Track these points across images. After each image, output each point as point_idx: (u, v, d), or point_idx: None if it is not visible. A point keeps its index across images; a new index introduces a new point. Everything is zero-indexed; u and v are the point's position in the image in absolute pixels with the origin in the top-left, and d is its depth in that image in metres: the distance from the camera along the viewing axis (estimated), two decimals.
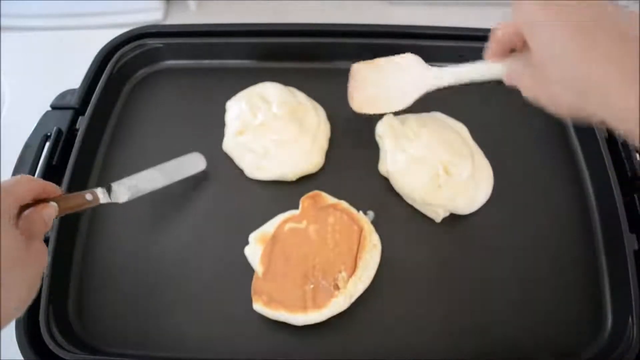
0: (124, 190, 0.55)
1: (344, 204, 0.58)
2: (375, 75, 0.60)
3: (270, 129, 0.62)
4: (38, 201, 0.45)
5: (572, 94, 0.41)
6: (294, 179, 0.62)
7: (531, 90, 0.46)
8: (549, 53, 0.41)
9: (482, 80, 0.51)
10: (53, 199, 0.46)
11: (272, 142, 0.62)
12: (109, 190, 0.53)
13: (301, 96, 0.66)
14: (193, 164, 0.62)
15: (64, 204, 0.47)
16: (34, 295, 0.42)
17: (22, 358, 0.50)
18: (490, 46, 0.50)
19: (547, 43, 0.41)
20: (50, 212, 0.46)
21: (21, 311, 0.41)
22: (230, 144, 0.64)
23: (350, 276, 0.53)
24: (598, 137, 0.61)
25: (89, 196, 0.50)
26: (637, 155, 0.61)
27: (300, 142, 0.62)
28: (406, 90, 0.57)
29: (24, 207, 0.44)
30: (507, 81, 0.49)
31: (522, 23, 0.43)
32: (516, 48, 0.49)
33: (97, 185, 0.63)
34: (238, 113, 0.64)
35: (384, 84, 0.59)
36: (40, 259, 0.43)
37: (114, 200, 0.54)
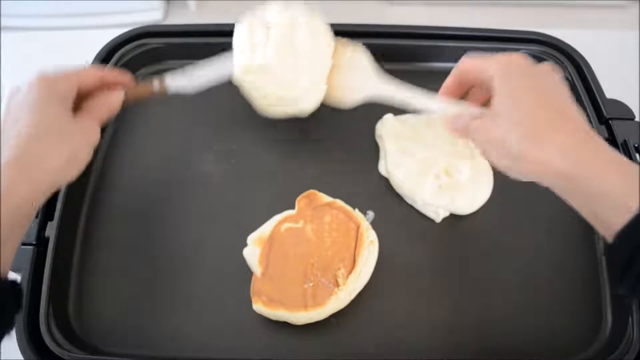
0: (193, 79, 0.56)
1: (339, 202, 0.58)
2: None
3: (269, 74, 0.58)
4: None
5: (519, 138, 0.44)
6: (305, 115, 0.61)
7: (478, 138, 0.48)
8: (509, 117, 0.45)
9: (424, 112, 0.53)
10: (122, 87, 0.52)
11: (272, 89, 0.59)
12: (177, 77, 0.55)
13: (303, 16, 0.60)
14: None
15: (132, 92, 0.53)
16: (78, 164, 0.48)
17: (22, 358, 0.50)
18: (448, 82, 0.52)
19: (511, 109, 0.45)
20: (116, 97, 0.51)
21: (65, 174, 0.47)
22: (239, 79, 0.60)
23: (349, 272, 0.53)
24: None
25: (155, 84, 0.55)
26: (637, 155, 0.61)
27: (300, 84, 0.58)
28: (354, 89, 0.57)
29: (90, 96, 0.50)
30: (449, 126, 0.51)
31: (494, 74, 0.47)
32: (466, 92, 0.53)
33: (97, 185, 0.63)
34: (241, 44, 0.59)
35: (336, 72, 0.57)
36: (87, 134, 0.48)
37: (176, 90, 0.55)
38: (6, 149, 0.44)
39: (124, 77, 0.54)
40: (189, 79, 0.55)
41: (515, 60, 0.47)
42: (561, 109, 0.44)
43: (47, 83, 0.47)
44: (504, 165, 0.46)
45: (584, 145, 0.42)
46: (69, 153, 0.46)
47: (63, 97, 0.47)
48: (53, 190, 0.46)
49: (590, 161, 0.41)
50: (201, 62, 0.55)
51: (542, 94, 0.45)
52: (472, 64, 0.50)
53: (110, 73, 0.53)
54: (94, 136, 0.49)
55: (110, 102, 0.52)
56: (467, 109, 0.51)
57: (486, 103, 0.50)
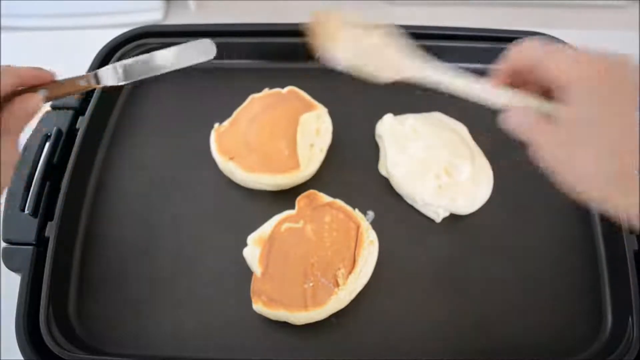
0: (121, 71, 0.50)
1: (339, 202, 0.58)
2: (356, 35, 0.52)
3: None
4: (30, 88, 0.44)
5: (607, 177, 0.36)
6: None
7: (551, 152, 0.38)
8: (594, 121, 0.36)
9: (468, 97, 0.44)
10: (44, 86, 0.45)
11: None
12: (113, 70, 0.50)
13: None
14: (203, 50, 0.56)
15: (56, 90, 0.45)
16: None
17: (22, 358, 0.50)
18: (502, 66, 0.42)
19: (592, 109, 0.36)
20: (33, 101, 0.44)
21: None
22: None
23: (349, 272, 0.53)
24: None
25: (83, 81, 0.48)
26: None
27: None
28: (390, 64, 0.49)
29: (10, 96, 0.42)
30: (509, 125, 0.41)
31: (563, 70, 0.38)
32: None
33: (97, 185, 0.63)
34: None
35: (367, 48, 0.51)
36: (5, 156, 0.41)
37: (106, 83, 0.50)
38: None
39: (45, 74, 0.46)
40: (118, 74, 0.50)
41: (598, 69, 0.38)
42: None
43: None
44: (566, 188, 0.38)
45: None
46: None
47: None
48: None
49: None
50: (133, 58, 0.52)
51: (630, 120, 0.36)
52: (534, 57, 0.39)
53: (29, 72, 0.45)
54: (14, 156, 0.42)
55: (28, 109, 0.44)
56: (534, 102, 0.40)
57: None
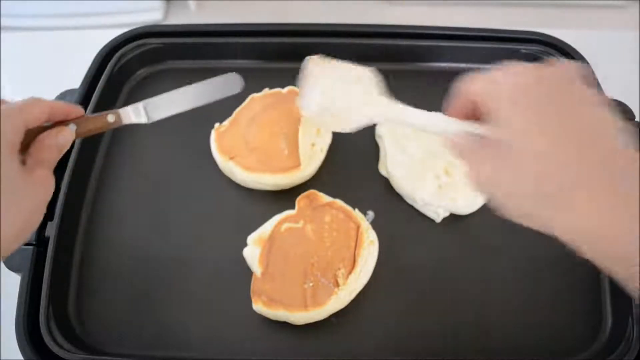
0: (151, 109, 0.50)
1: (339, 202, 0.58)
2: (327, 80, 0.51)
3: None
4: (58, 123, 0.44)
5: (535, 200, 0.35)
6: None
7: (476, 171, 0.39)
8: (523, 142, 0.35)
9: (434, 133, 0.45)
10: (73, 121, 0.45)
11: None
12: (135, 109, 0.49)
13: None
14: (229, 84, 0.56)
15: (84, 126, 0.45)
16: (34, 226, 0.40)
17: (22, 358, 0.50)
18: (452, 100, 0.42)
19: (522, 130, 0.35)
20: (65, 135, 0.44)
21: (19, 243, 0.40)
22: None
23: (349, 272, 0.53)
24: None
25: (110, 117, 0.47)
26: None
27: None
28: (354, 111, 0.50)
29: (41, 129, 0.42)
30: (451, 149, 0.41)
31: (486, 94, 0.38)
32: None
33: (97, 185, 0.63)
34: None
35: (333, 95, 0.51)
36: (44, 189, 0.41)
37: (139, 120, 0.49)
38: None
39: (75, 109, 0.46)
40: (145, 113, 0.50)
41: (524, 78, 0.37)
42: (590, 143, 0.35)
43: None
44: (495, 207, 0.38)
45: (615, 200, 0.33)
46: (24, 218, 0.39)
47: (10, 144, 0.39)
48: None
49: (621, 219, 0.33)
50: (158, 96, 0.52)
51: (568, 128, 0.35)
52: (473, 91, 0.39)
53: (59, 106, 0.45)
54: (51, 189, 0.42)
55: (60, 143, 0.43)
56: (471, 128, 0.41)
57: None
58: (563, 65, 0.39)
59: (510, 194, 0.37)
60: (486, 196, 0.39)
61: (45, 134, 0.43)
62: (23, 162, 0.41)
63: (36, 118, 0.42)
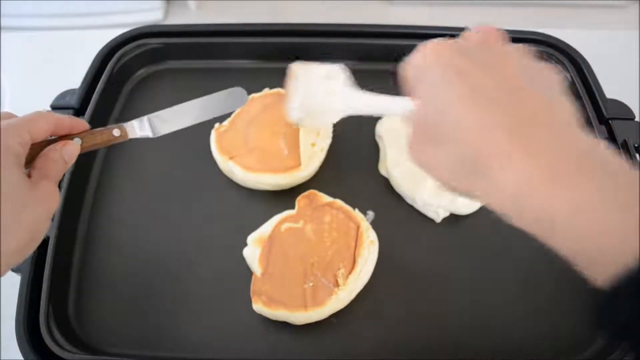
0: (156, 123, 0.50)
1: (339, 202, 0.58)
2: (305, 85, 0.54)
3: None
4: (62, 137, 0.44)
5: (460, 166, 0.34)
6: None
7: (410, 149, 0.39)
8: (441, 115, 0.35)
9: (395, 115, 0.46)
10: (78, 135, 0.44)
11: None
12: (140, 123, 0.50)
13: None
14: (234, 99, 0.56)
15: (90, 140, 0.45)
16: (38, 240, 0.40)
17: (22, 358, 0.50)
18: (399, 76, 0.41)
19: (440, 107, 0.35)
20: (71, 149, 0.44)
21: (23, 256, 0.39)
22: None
23: (349, 272, 0.54)
24: (598, 136, 0.61)
25: (116, 131, 0.47)
26: (637, 155, 0.61)
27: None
28: (327, 109, 0.53)
29: (46, 143, 0.42)
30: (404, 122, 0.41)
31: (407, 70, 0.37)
32: None
33: (97, 186, 0.63)
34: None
35: (310, 98, 0.54)
36: (48, 202, 0.40)
37: (144, 135, 0.50)
38: None
39: (80, 123, 0.46)
40: (150, 127, 0.51)
41: (440, 48, 0.36)
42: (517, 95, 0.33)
43: None
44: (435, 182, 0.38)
45: (559, 165, 0.31)
46: (28, 232, 0.39)
47: (16, 157, 0.39)
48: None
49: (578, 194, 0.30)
50: (164, 110, 0.52)
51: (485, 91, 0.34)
52: (403, 69, 0.39)
53: (64, 120, 0.44)
54: (55, 203, 0.41)
55: (66, 156, 0.43)
56: (401, 102, 0.43)
57: None
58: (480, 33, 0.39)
59: (438, 168, 0.37)
60: (420, 169, 0.39)
61: (50, 147, 0.43)
62: (28, 176, 0.40)
63: (42, 131, 0.42)
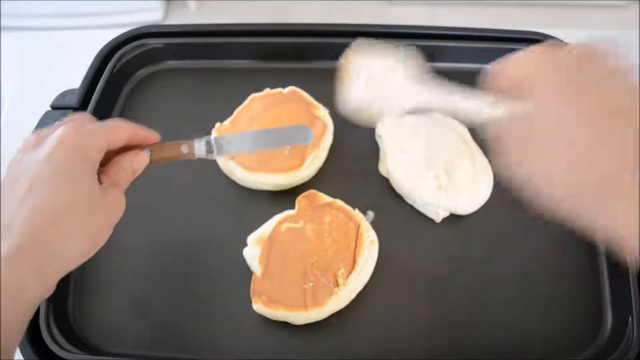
0: (223, 145, 0.50)
1: (339, 202, 0.58)
2: (367, 72, 0.51)
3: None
4: (133, 146, 0.44)
5: (572, 184, 0.34)
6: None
7: (515, 158, 0.37)
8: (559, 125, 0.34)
9: (473, 116, 0.43)
10: (148, 146, 0.45)
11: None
12: (207, 144, 0.49)
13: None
14: (299, 135, 0.55)
15: (159, 153, 0.46)
16: (97, 247, 0.40)
17: (22, 358, 0.50)
18: (493, 77, 0.40)
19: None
20: (141, 160, 0.44)
21: (78, 263, 0.39)
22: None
23: (349, 272, 0.53)
24: None
25: (184, 148, 0.47)
26: None
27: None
28: (396, 98, 0.49)
29: (116, 151, 0.43)
30: (493, 135, 0.39)
31: (525, 70, 0.36)
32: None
33: None
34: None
35: (373, 87, 0.50)
36: (115, 210, 0.41)
37: (209, 157, 0.49)
38: (17, 229, 0.35)
39: (153, 136, 0.46)
40: (219, 148, 0.50)
41: (558, 58, 0.36)
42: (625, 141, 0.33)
43: (78, 144, 0.39)
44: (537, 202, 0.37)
45: None
46: (94, 237, 0.39)
47: (92, 164, 0.40)
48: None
49: None
50: (231, 134, 0.51)
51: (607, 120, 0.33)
52: (504, 71, 0.38)
53: (140, 131, 0.45)
54: (121, 211, 0.42)
55: (135, 167, 0.44)
56: (485, 104, 0.39)
57: None
58: (593, 45, 0.38)
59: (551, 183, 0.35)
60: (523, 181, 0.37)
61: (122, 155, 0.43)
62: (99, 182, 0.41)
63: (119, 140, 0.43)
